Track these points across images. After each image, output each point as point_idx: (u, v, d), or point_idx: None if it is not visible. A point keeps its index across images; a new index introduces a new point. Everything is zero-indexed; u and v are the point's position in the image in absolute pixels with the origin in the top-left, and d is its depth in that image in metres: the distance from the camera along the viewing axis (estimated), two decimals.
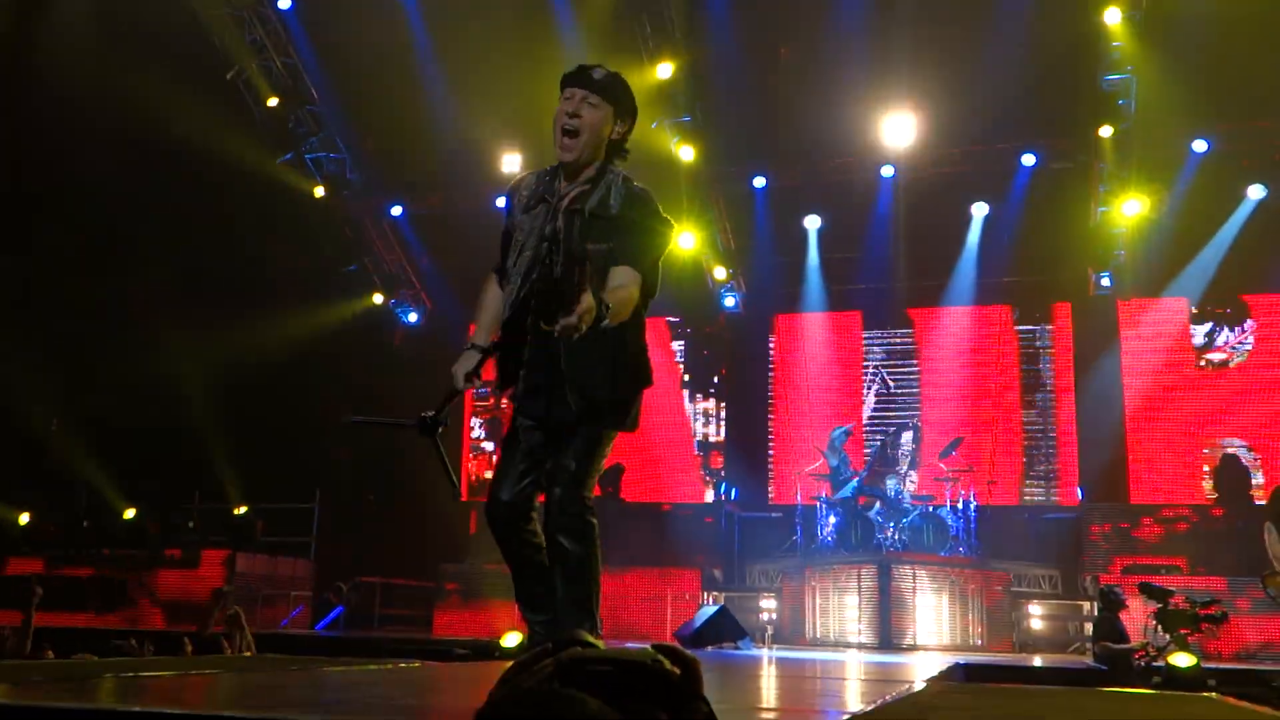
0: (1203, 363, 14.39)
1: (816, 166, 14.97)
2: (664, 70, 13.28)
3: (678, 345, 16.25)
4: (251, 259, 14.71)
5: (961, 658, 9.19)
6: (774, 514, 14.76)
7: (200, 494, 14.32)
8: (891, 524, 13.16)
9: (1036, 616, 12.44)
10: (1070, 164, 14.08)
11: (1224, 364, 14.31)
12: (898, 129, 14.22)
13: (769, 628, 12.21)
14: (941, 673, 6.88)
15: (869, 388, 15.47)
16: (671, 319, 16.15)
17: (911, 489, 13.76)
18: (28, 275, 13.88)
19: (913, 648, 11.93)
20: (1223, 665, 8.89)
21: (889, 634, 12.09)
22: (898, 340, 15.53)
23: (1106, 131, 12.91)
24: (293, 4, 14.35)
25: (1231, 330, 14.33)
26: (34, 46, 13.21)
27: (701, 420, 16.11)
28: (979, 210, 14.66)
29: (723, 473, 15.44)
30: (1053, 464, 14.73)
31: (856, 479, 13.68)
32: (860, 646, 11.92)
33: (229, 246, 14.41)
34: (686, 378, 16.30)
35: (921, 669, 7.33)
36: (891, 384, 15.38)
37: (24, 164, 13.72)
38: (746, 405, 15.88)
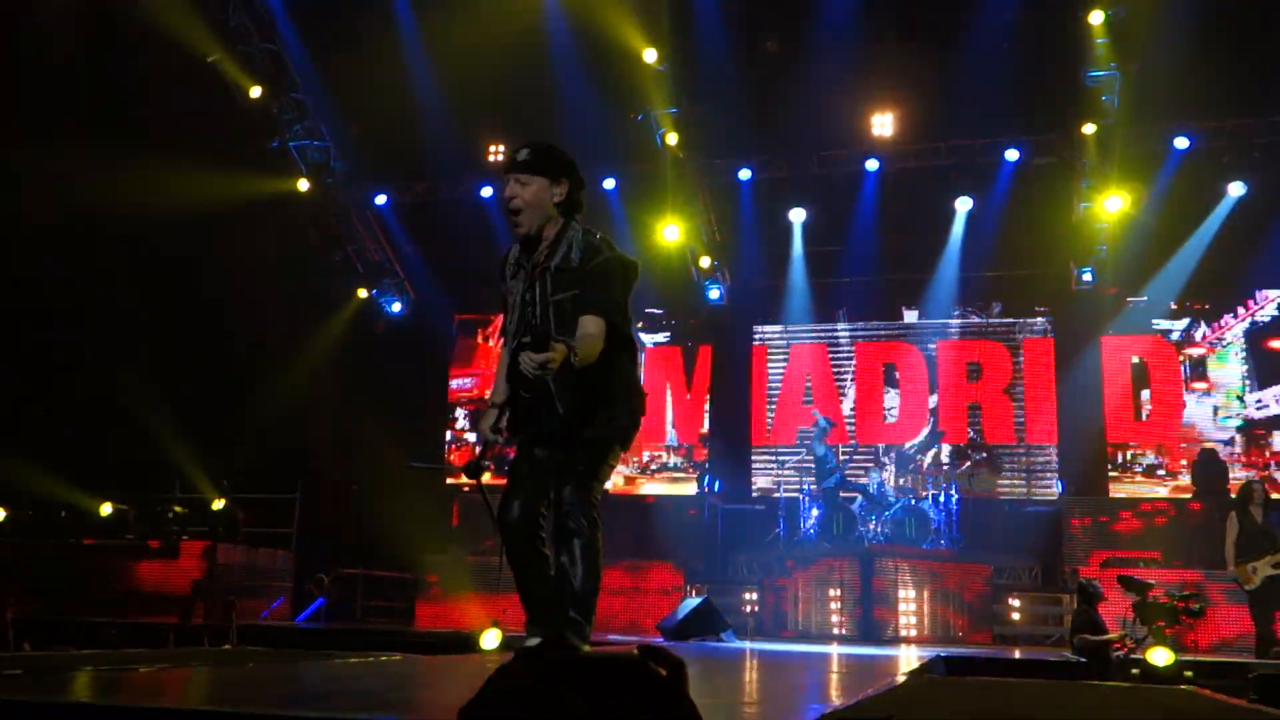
0: (1182, 358, 14.48)
1: (802, 159, 14.98)
2: (650, 55, 13.26)
3: (662, 337, 16.26)
4: (233, 248, 14.61)
5: (943, 650, 9.22)
6: (757, 506, 14.81)
7: (181, 484, 14.23)
8: (874, 517, 13.22)
9: (1017, 609, 12.52)
10: (1053, 160, 14.12)
11: (1202, 359, 14.41)
12: (883, 122, 14.26)
13: (752, 620, 12.25)
14: (922, 666, 6.92)
15: (852, 381, 15.51)
16: (655, 310, 16.15)
17: (893, 482, 13.81)
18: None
19: (895, 640, 11.99)
20: (1199, 658, 8.95)
21: (871, 627, 12.15)
22: (881, 333, 15.57)
23: (1089, 128, 12.96)
24: None
25: (1209, 325, 14.42)
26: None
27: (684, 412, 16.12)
28: (963, 205, 14.70)
29: (706, 465, 15.46)
30: (1034, 457, 14.80)
31: (838, 471, 13.75)
32: (842, 639, 11.97)
33: (211, 236, 14.31)
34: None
35: (903, 662, 7.37)
36: (871, 375, 15.41)
37: None
38: (730, 397, 15.90)
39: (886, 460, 14.84)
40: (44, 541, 13.33)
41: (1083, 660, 8.94)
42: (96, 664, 4.45)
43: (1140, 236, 13.88)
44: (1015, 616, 12.52)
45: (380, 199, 16.16)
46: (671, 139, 13.95)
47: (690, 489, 15.27)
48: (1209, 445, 14.07)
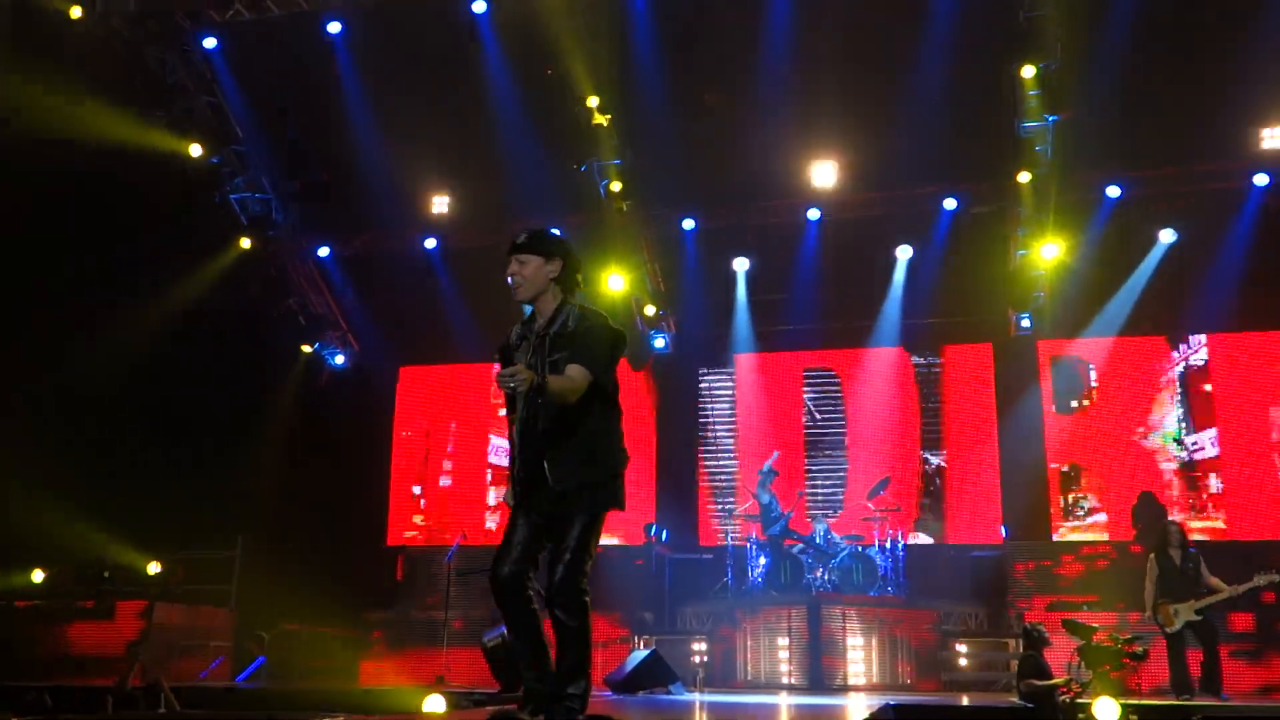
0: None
1: (744, 209, 15.12)
2: (593, 101, 13.35)
3: None
4: (174, 297, 14.44)
5: (892, 698, 9.21)
6: (705, 555, 14.74)
7: (116, 542, 13.89)
8: (821, 565, 13.22)
9: (964, 655, 12.55)
10: (990, 208, 14.37)
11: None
12: (823, 173, 14.46)
13: (700, 671, 12.13)
14: (872, 715, 6.89)
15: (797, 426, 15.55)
16: None
17: (837, 531, 13.80)
18: None
19: (844, 688, 11.97)
20: (1144, 701, 9.02)
21: (820, 675, 12.12)
22: (825, 380, 15.66)
23: (1024, 177, 13.22)
24: (218, 44, 14.17)
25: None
26: None
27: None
28: (903, 253, 14.90)
29: (653, 514, 15.38)
30: (977, 502, 14.90)
31: (783, 519, 13.74)
32: (791, 688, 11.92)
33: (155, 285, 14.14)
34: None
35: (852, 710, 7.33)
36: (819, 417, 15.49)
37: None
38: (676, 446, 15.87)
39: (831, 508, 14.86)
40: None
41: (1029, 706, 8.97)
42: None
43: (1076, 283, 14.13)
44: (963, 662, 12.54)
45: (323, 251, 16.02)
46: (615, 188, 14.02)
47: (637, 538, 15.18)
48: (1148, 489, 14.25)
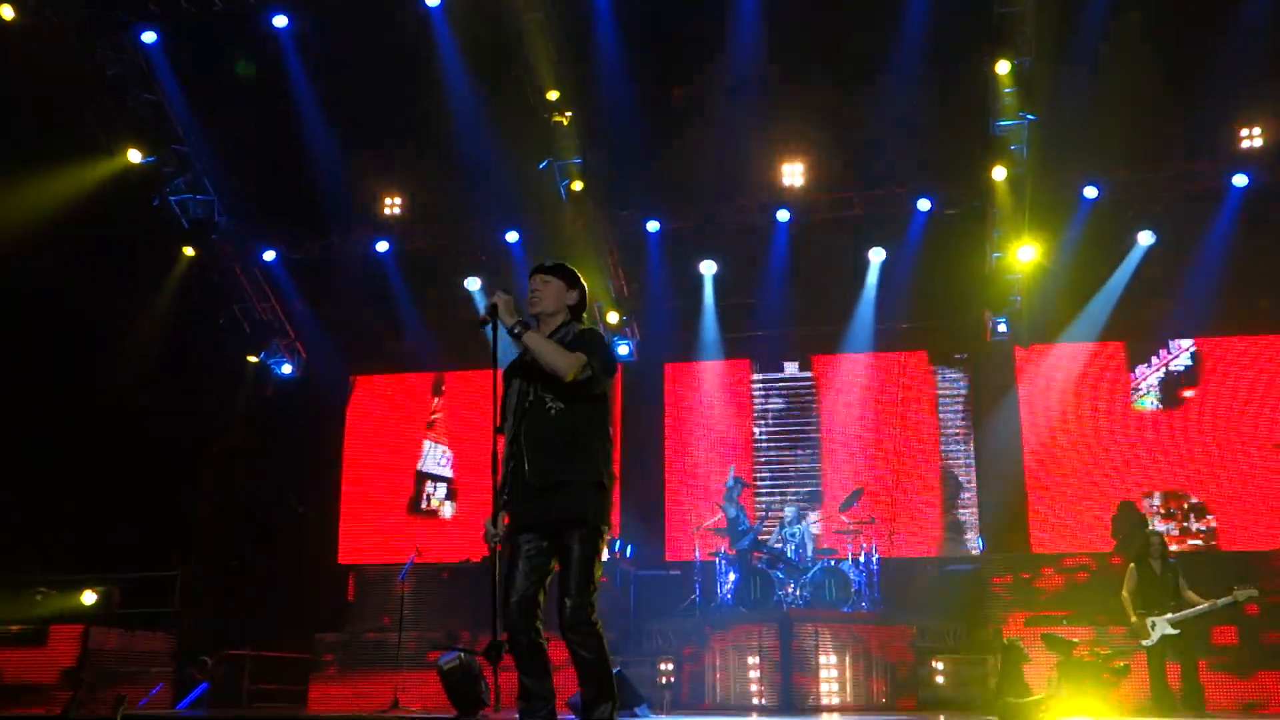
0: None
1: (711, 210, 14.65)
2: (552, 95, 12.85)
3: None
4: (112, 302, 13.80)
5: (866, 719, 8.78)
6: (672, 571, 14.23)
7: (47, 563, 13.21)
8: (792, 580, 12.74)
9: (941, 672, 12.09)
10: (965, 210, 14.00)
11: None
12: (793, 172, 14.06)
13: (668, 693, 11.67)
14: None
15: (764, 436, 15.11)
16: None
17: (811, 544, 13.32)
18: None
19: (816, 709, 11.49)
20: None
21: (791, 695, 11.62)
22: (795, 388, 15.22)
23: (1000, 174, 12.84)
24: (158, 38, 13.53)
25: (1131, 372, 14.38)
26: None
27: None
28: (876, 255, 14.48)
29: (617, 529, 14.83)
30: (954, 514, 14.52)
31: (751, 533, 13.24)
32: (762, 710, 11.45)
33: (90, 289, 13.48)
34: None
35: None
36: (789, 425, 15.05)
37: None
38: (640, 458, 15.34)
39: (803, 520, 14.38)
40: None
41: None
42: None
43: (1053, 286, 13.81)
44: (940, 680, 12.07)
45: (269, 255, 15.34)
46: (576, 188, 13.51)
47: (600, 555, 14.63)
48: (1128, 498, 13.93)
